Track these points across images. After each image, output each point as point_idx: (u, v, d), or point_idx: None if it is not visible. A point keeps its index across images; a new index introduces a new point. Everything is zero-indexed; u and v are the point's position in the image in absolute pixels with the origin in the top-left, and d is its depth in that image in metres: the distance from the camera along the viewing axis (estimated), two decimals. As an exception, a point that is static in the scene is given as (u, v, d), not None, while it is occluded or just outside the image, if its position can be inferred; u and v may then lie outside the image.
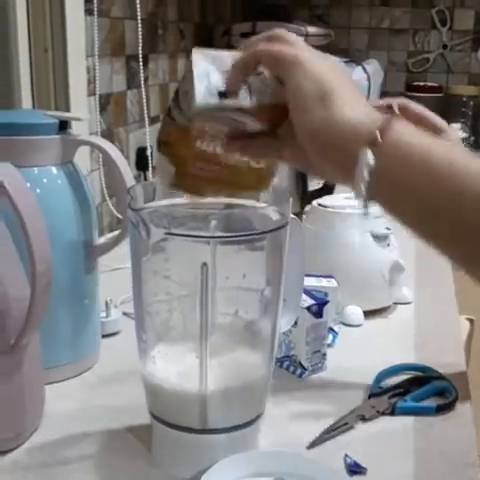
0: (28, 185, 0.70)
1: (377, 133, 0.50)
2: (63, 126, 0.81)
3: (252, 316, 0.70)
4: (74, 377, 0.85)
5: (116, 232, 0.88)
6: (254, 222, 0.66)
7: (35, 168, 0.79)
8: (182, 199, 0.71)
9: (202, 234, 0.64)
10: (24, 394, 0.70)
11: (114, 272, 1.07)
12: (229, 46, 1.96)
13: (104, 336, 0.93)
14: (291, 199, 0.67)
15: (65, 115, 0.88)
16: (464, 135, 2.25)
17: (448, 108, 2.40)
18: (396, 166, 0.51)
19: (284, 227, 0.66)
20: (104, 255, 0.87)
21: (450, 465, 0.70)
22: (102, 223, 1.42)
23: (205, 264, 0.62)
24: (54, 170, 0.80)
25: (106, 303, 0.95)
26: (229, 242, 0.64)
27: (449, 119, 2.30)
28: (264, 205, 0.70)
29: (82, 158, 1.15)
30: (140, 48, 1.45)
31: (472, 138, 2.30)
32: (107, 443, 0.72)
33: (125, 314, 0.97)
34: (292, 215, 0.68)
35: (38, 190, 0.78)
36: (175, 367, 0.67)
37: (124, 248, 0.69)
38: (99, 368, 0.88)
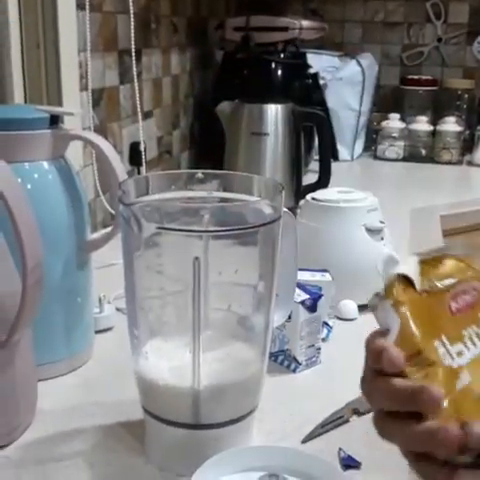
0: (19, 180, 0.70)
1: None
2: (54, 121, 0.81)
3: (245, 311, 0.70)
4: (67, 373, 0.84)
5: (109, 228, 0.88)
6: (247, 216, 0.66)
7: (26, 163, 0.78)
8: (175, 193, 0.71)
9: (194, 228, 0.64)
10: (16, 390, 0.70)
11: (108, 268, 1.06)
12: (223, 40, 1.96)
13: (97, 332, 0.92)
14: (284, 193, 0.67)
15: (57, 110, 0.88)
16: (459, 129, 2.25)
17: (443, 101, 2.39)
18: None
19: (277, 221, 0.66)
20: (98, 251, 0.86)
21: (444, 458, 0.70)
22: (96, 219, 1.41)
23: (197, 258, 0.62)
24: (45, 165, 0.79)
25: (99, 299, 0.95)
26: (221, 236, 0.64)
27: (444, 112, 2.31)
28: (257, 199, 0.70)
29: (75, 153, 1.15)
30: (133, 43, 1.44)
31: (467, 132, 2.30)
32: (100, 439, 0.72)
33: (118, 310, 0.97)
34: (285, 209, 0.68)
35: (29, 185, 0.77)
36: (168, 362, 0.66)
37: (118, 244, 0.68)
38: (92, 364, 0.87)
